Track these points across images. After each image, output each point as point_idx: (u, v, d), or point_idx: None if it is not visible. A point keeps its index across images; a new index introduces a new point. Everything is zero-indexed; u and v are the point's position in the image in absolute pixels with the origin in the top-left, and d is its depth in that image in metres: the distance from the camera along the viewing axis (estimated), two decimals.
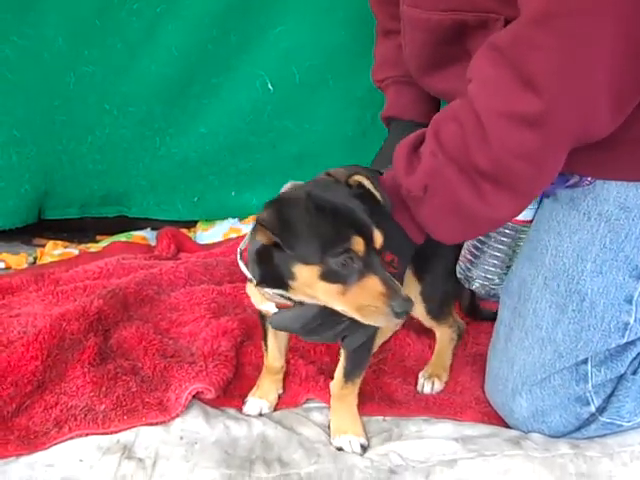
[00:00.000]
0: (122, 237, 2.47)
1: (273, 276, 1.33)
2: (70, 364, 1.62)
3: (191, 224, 2.61)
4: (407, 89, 1.79)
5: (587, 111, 1.24)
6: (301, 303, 1.36)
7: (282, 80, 2.40)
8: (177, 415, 1.53)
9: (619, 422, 1.53)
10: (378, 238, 1.28)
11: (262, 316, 1.56)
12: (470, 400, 1.66)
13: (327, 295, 1.28)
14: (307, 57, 2.37)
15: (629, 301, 1.48)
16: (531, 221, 1.57)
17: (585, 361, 1.51)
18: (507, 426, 1.60)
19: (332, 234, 1.24)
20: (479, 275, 1.61)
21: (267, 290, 1.37)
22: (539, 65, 1.20)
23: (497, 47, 1.26)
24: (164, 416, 1.52)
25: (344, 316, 1.32)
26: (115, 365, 1.63)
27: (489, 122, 1.26)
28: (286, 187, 1.42)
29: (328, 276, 1.25)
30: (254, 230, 1.33)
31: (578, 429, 1.54)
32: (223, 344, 1.70)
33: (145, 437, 1.49)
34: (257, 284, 1.38)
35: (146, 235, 2.52)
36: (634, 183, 1.44)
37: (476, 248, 1.60)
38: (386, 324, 1.32)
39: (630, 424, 1.54)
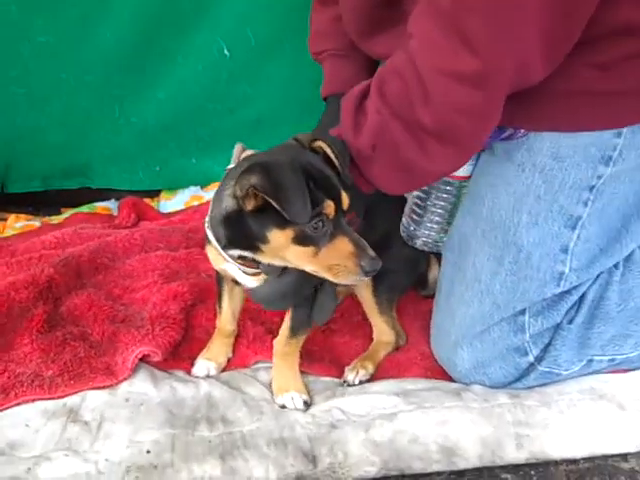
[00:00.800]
0: (85, 208, 2.48)
1: (242, 239, 1.36)
2: (18, 332, 1.64)
3: (155, 193, 2.61)
4: (345, 62, 1.77)
5: (522, 65, 1.27)
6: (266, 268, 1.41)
7: (238, 45, 2.38)
8: (124, 379, 1.56)
9: (557, 371, 1.55)
10: (345, 200, 1.33)
11: (219, 278, 1.59)
12: (415, 356, 1.69)
13: (299, 258, 1.33)
14: (262, 21, 2.35)
15: (565, 251, 1.50)
16: (470, 177, 1.58)
17: (522, 312, 1.54)
18: (452, 381, 1.63)
19: (312, 198, 1.27)
20: (422, 233, 1.63)
21: (232, 252, 1.40)
22: (475, 26, 1.23)
23: (437, 7, 1.28)
24: (111, 380, 1.55)
25: (314, 281, 1.39)
26: (64, 332, 1.65)
27: (430, 79, 1.28)
28: (237, 151, 1.44)
29: (301, 239, 1.30)
30: (220, 195, 1.37)
31: (518, 379, 1.57)
32: (172, 308, 1.72)
33: (91, 400, 1.51)
34: (223, 247, 1.40)
35: (110, 206, 2.52)
36: (566, 133, 1.45)
37: (418, 206, 1.62)
38: (356, 282, 1.37)
39: (568, 372, 1.56)
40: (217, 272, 1.59)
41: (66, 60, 2.37)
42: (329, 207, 1.30)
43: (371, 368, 1.65)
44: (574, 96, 1.40)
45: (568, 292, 1.54)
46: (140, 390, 1.54)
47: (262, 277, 1.46)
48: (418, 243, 1.63)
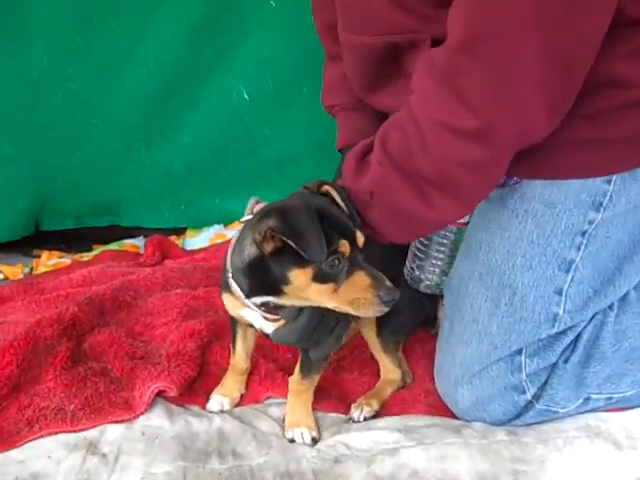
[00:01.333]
0: (114, 246, 2.59)
1: (265, 284, 1.43)
2: (44, 367, 1.73)
3: (181, 231, 2.72)
4: (356, 115, 1.86)
5: (523, 123, 1.31)
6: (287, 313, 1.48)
7: (257, 89, 2.49)
8: (141, 413, 1.63)
9: (554, 409, 1.60)
10: (360, 238, 1.40)
11: (232, 319, 1.67)
12: (420, 393, 1.74)
13: (320, 295, 1.39)
14: (280, 66, 2.46)
15: (559, 293, 1.55)
16: (467, 224, 1.65)
17: (519, 352, 1.58)
18: (454, 417, 1.68)
19: (327, 237, 1.34)
20: (425, 277, 1.71)
21: (255, 300, 1.47)
22: (470, 87, 1.27)
23: (433, 66, 1.33)
24: (129, 414, 1.62)
25: (333, 316, 1.46)
26: (86, 367, 1.74)
27: (428, 131, 1.33)
28: (250, 204, 1.52)
29: (320, 277, 1.37)
30: (240, 245, 1.44)
31: (517, 417, 1.61)
32: (189, 345, 1.80)
33: (110, 434, 1.59)
34: (246, 296, 1.48)
35: (137, 243, 2.63)
36: (557, 181, 1.51)
37: (420, 251, 1.69)
38: (377, 313, 1.41)
39: (565, 410, 1.60)
40: (231, 316, 1.66)
41: (95, 106, 2.50)
42: (344, 245, 1.37)
43: (376, 405, 1.70)
44: (563, 145, 1.44)
45: (563, 333, 1.58)
46: (156, 424, 1.62)
47: (280, 322, 1.53)
48: (421, 286, 1.70)
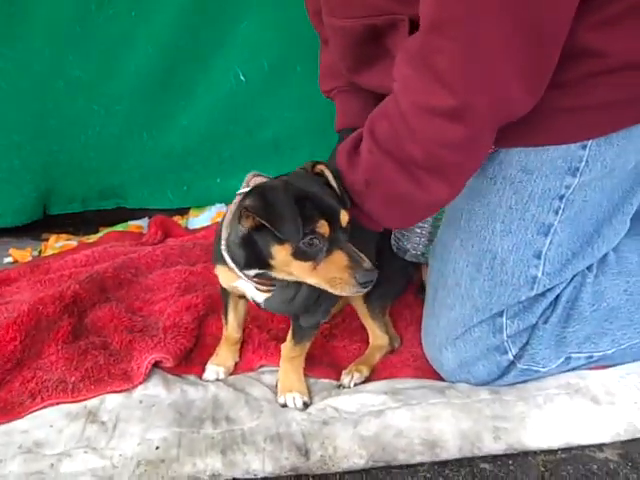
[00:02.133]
0: (119, 227, 2.67)
1: (257, 258, 1.49)
2: (46, 343, 1.80)
3: (184, 211, 2.79)
4: (352, 97, 1.91)
5: (501, 98, 1.34)
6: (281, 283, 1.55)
7: (253, 71, 2.55)
8: (139, 383, 1.70)
9: (536, 368, 1.64)
10: (344, 217, 1.45)
11: (224, 293, 1.74)
12: (408, 358, 1.80)
13: (301, 271, 1.46)
14: (274, 47, 2.52)
15: (538, 256, 1.59)
16: None
17: (500, 314, 1.63)
18: (441, 380, 1.73)
19: (303, 218, 1.40)
20: (411, 246, 1.75)
21: (249, 272, 1.54)
22: (444, 66, 1.31)
23: (409, 52, 1.38)
24: (127, 384, 1.69)
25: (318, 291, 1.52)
26: (87, 342, 1.81)
27: (411, 115, 1.38)
28: (248, 177, 1.59)
29: (299, 254, 1.43)
30: (236, 218, 1.50)
31: (500, 377, 1.66)
32: (185, 318, 1.86)
33: (109, 403, 1.66)
34: (242, 268, 1.54)
35: (142, 224, 2.70)
36: (533, 148, 1.54)
37: None
38: (353, 293, 1.47)
39: (547, 370, 1.65)
40: (222, 287, 1.73)
41: (96, 92, 2.58)
42: (322, 226, 1.42)
43: (366, 371, 1.76)
44: (538, 113, 1.47)
45: (542, 295, 1.63)
46: (153, 393, 1.68)
47: (271, 292, 1.59)
48: (408, 255, 1.75)
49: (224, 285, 1.69)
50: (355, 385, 1.73)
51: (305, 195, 1.43)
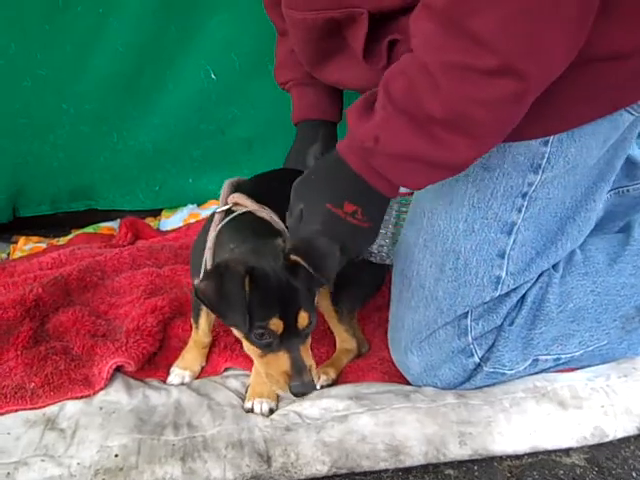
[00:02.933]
0: (89, 229, 2.63)
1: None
2: (5, 348, 1.77)
3: (157, 212, 2.75)
4: (309, 90, 1.90)
5: (545, 58, 1.24)
6: None
7: (224, 68, 2.51)
8: (100, 389, 1.67)
9: (502, 371, 1.62)
10: (302, 319, 1.42)
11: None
12: (375, 361, 1.76)
13: (250, 351, 1.48)
14: (245, 44, 2.48)
15: (501, 256, 1.57)
16: (412, 193, 1.66)
17: (465, 315, 1.61)
18: (408, 384, 1.70)
19: (258, 313, 1.38)
20: (374, 247, 1.72)
21: None
22: (483, 26, 1.19)
23: (431, 8, 1.25)
24: (88, 390, 1.66)
25: None
26: (47, 347, 1.77)
27: (439, 72, 1.26)
28: (225, 190, 1.62)
29: (250, 340, 1.44)
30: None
31: (467, 380, 1.64)
32: (149, 321, 1.83)
33: (68, 409, 1.63)
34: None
35: (113, 226, 2.66)
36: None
37: None
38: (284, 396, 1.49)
39: (513, 372, 1.62)
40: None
41: (65, 91, 2.52)
42: (275, 324, 1.39)
43: (333, 374, 1.73)
44: None
45: (507, 295, 1.60)
46: (114, 399, 1.65)
47: None
48: (372, 255, 1.72)
49: None
50: (322, 387, 1.70)
51: (267, 286, 1.39)
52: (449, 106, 1.27)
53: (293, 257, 1.41)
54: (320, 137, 1.97)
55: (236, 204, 1.62)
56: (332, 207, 1.42)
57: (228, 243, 1.52)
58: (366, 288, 1.87)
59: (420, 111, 1.30)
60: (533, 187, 1.52)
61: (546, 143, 1.49)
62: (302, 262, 1.39)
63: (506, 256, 1.56)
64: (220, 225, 1.57)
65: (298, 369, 1.42)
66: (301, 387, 1.41)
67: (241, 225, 1.56)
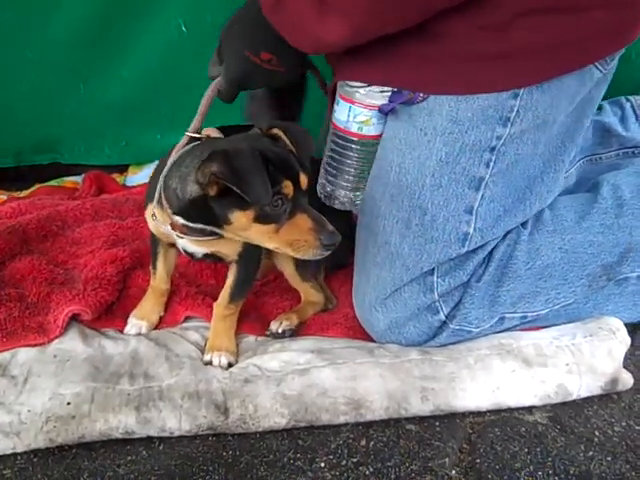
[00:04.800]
0: (53, 182, 2.55)
1: (207, 220, 1.44)
2: None
3: (123, 168, 2.68)
4: None
5: None
6: None
7: (195, 22, 2.43)
8: (55, 337, 1.63)
9: (468, 328, 1.59)
10: (304, 180, 1.41)
11: (153, 240, 1.67)
12: (339, 317, 1.74)
13: (261, 235, 1.41)
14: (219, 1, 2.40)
15: (469, 212, 1.54)
16: (379, 136, 1.61)
17: (431, 272, 1.58)
18: (372, 341, 1.67)
19: (270, 179, 1.34)
20: (338, 192, 1.66)
21: (183, 222, 1.47)
22: None
23: None
24: (42, 338, 1.61)
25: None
26: (1, 293, 1.71)
27: None
28: (205, 132, 1.56)
29: (262, 218, 1.38)
30: (187, 177, 1.42)
31: (432, 338, 1.61)
32: (109, 270, 1.78)
33: (21, 357, 1.58)
34: (174, 213, 1.48)
35: (78, 180, 2.59)
36: (463, 97, 1.48)
37: (330, 166, 1.65)
38: (316, 257, 1.41)
39: (479, 330, 1.60)
40: (152, 234, 1.66)
41: (30, 39, 2.43)
42: (287, 187, 1.38)
43: (295, 320, 1.70)
44: (468, 59, 1.43)
45: (474, 252, 1.57)
46: (69, 347, 1.61)
47: (200, 243, 1.53)
48: (336, 203, 1.66)
49: (153, 230, 1.62)
50: (284, 332, 1.69)
51: (267, 156, 1.37)
52: None
53: (275, 130, 1.44)
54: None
55: (209, 138, 1.56)
56: (251, 55, 1.52)
57: (189, 164, 1.45)
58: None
59: None
60: (502, 141, 1.50)
61: (516, 96, 1.47)
62: (283, 135, 1.44)
63: (474, 212, 1.54)
64: (182, 150, 1.51)
65: (321, 222, 1.39)
66: (333, 236, 1.38)
67: (206, 148, 1.46)
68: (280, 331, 1.67)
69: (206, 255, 1.60)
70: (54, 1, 2.38)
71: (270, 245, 1.42)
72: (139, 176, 2.61)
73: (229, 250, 1.58)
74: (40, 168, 2.67)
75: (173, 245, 1.65)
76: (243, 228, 1.40)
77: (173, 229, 1.51)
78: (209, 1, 2.41)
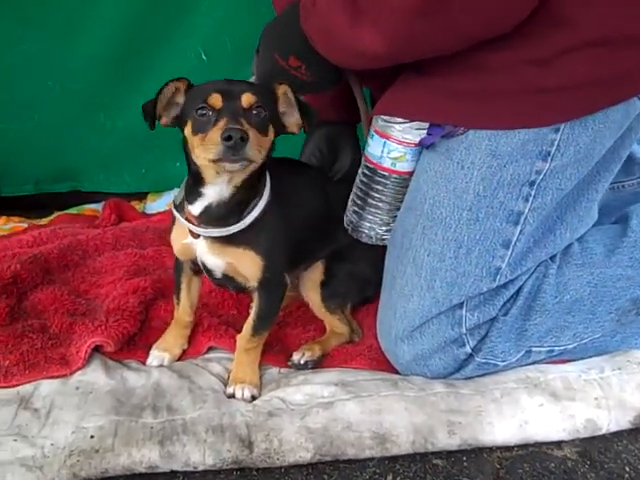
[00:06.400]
0: (72, 210, 2.56)
1: (187, 161, 1.54)
2: None
3: (142, 196, 2.69)
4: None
5: None
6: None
7: (215, 50, 2.45)
8: (78, 368, 1.61)
9: (494, 362, 1.57)
10: (247, 98, 1.43)
11: (178, 270, 1.68)
12: (363, 349, 1.72)
13: (197, 147, 1.44)
14: (237, 26, 2.43)
15: (506, 246, 1.52)
16: (411, 173, 1.61)
17: (460, 305, 1.56)
18: (396, 373, 1.66)
19: (199, 92, 1.45)
20: (365, 225, 1.65)
21: (190, 207, 1.54)
22: None
23: None
24: (65, 370, 1.60)
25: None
26: (24, 324, 1.71)
27: None
28: None
29: (195, 128, 1.44)
30: None
31: (457, 370, 1.60)
32: (131, 301, 1.77)
33: (44, 389, 1.57)
34: (177, 204, 1.56)
35: (97, 208, 2.60)
36: (503, 131, 1.47)
37: (359, 199, 1.64)
38: (219, 154, 1.39)
39: (506, 363, 1.58)
40: (177, 262, 1.68)
41: (52, 68, 2.46)
42: (214, 99, 1.42)
43: (318, 351, 1.69)
44: (512, 94, 1.42)
45: (504, 287, 1.56)
46: (91, 379, 1.59)
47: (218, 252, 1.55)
48: (363, 236, 1.66)
49: (176, 246, 1.64)
50: (306, 364, 1.67)
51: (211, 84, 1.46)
52: None
53: (282, 88, 1.51)
54: (329, 138, 1.96)
55: None
56: (279, 58, 1.55)
57: None
58: (355, 291, 1.83)
59: None
60: (541, 175, 1.48)
61: (557, 130, 1.45)
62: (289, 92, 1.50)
63: (511, 246, 1.52)
64: None
65: (234, 121, 1.38)
66: (233, 130, 1.36)
67: None
68: (302, 362, 1.66)
69: (226, 278, 1.61)
70: (75, 32, 2.42)
71: (204, 156, 1.41)
72: (158, 203, 2.62)
73: (247, 269, 1.57)
74: (59, 196, 2.69)
75: (197, 272, 1.66)
76: (191, 143, 1.46)
77: (189, 221, 1.54)
78: (229, 30, 2.45)
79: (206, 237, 1.55)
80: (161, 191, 2.67)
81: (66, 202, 2.67)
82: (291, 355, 1.70)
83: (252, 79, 1.66)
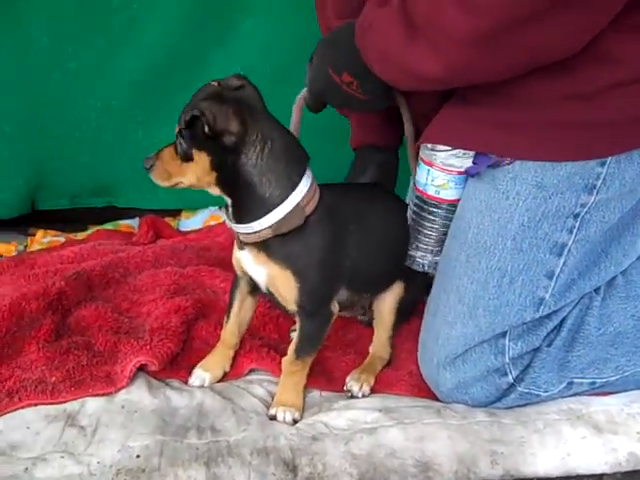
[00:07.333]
0: (109, 226, 2.59)
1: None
2: (27, 340, 1.73)
3: (176, 212, 2.71)
4: (368, 115, 1.87)
5: None
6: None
7: (254, 72, 2.45)
8: (122, 387, 1.63)
9: (536, 392, 1.58)
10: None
11: (234, 285, 1.69)
12: (403, 374, 1.73)
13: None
14: (278, 48, 2.47)
15: (550, 277, 1.54)
16: (457, 201, 1.63)
17: (503, 335, 1.57)
18: (437, 399, 1.67)
19: None
20: (417, 254, 1.68)
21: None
22: None
23: None
24: (110, 388, 1.62)
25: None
26: (69, 341, 1.73)
27: None
28: None
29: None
30: None
31: (499, 399, 1.60)
32: (173, 320, 1.79)
33: (90, 406, 1.59)
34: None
35: (132, 224, 2.63)
36: (550, 163, 1.49)
37: (412, 228, 1.67)
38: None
39: (548, 394, 1.59)
40: (234, 278, 1.69)
41: (93, 86, 2.50)
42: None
43: (372, 381, 1.70)
44: (558, 127, 1.44)
45: (548, 317, 1.57)
46: (136, 398, 1.61)
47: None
48: (414, 264, 1.68)
49: (235, 260, 1.64)
50: (363, 396, 1.68)
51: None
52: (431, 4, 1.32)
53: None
54: (376, 163, 1.96)
55: None
56: (332, 72, 1.56)
57: None
58: (414, 304, 1.84)
59: (411, 10, 1.34)
60: (586, 208, 1.50)
61: (603, 164, 1.47)
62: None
63: (554, 277, 1.54)
64: None
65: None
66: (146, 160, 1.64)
67: None
68: (360, 395, 1.66)
69: (270, 294, 1.61)
70: (118, 51, 2.47)
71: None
72: (192, 221, 2.64)
73: (282, 287, 1.57)
74: (94, 210, 2.72)
75: (252, 293, 1.68)
76: None
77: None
78: (268, 51, 2.49)
79: (251, 248, 1.55)
80: (195, 208, 2.69)
81: (99, 217, 2.70)
82: (331, 384, 1.71)
83: (304, 91, 1.70)
